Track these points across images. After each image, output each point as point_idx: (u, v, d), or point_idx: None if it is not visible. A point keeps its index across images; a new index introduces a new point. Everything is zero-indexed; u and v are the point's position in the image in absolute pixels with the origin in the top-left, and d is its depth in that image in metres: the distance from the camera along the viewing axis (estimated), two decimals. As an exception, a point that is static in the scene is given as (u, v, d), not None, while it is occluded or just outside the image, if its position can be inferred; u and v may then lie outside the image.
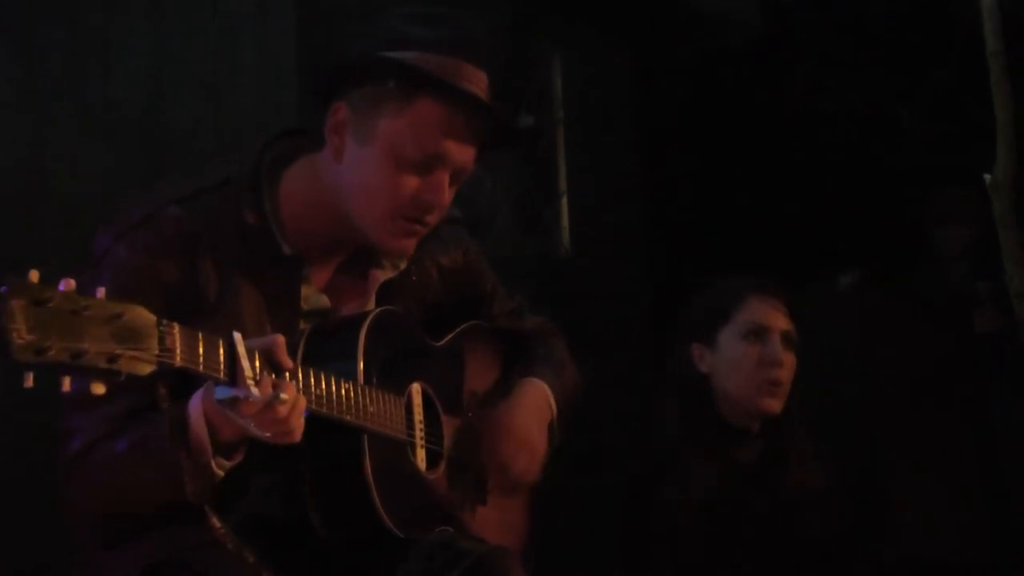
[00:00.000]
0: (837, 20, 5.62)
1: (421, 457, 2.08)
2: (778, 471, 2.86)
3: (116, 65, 3.81)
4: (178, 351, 1.55)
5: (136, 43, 3.81)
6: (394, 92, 1.93)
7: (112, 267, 1.85)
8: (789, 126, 5.73)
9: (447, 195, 2.00)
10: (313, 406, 1.78)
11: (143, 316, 1.50)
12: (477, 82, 1.97)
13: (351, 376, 1.90)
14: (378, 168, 1.94)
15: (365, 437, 1.90)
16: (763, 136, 5.74)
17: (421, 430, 2.08)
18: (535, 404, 2.26)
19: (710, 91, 5.82)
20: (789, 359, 2.86)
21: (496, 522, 2.24)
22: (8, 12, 3.63)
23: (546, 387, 2.29)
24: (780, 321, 2.87)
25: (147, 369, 1.50)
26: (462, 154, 1.98)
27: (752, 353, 2.84)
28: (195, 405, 1.74)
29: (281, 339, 1.75)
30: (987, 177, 2.99)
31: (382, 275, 2.13)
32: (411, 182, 1.95)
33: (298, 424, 1.74)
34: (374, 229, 1.99)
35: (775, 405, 2.84)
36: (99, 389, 1.45)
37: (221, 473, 1.76)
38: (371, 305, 2.09)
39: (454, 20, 1.98)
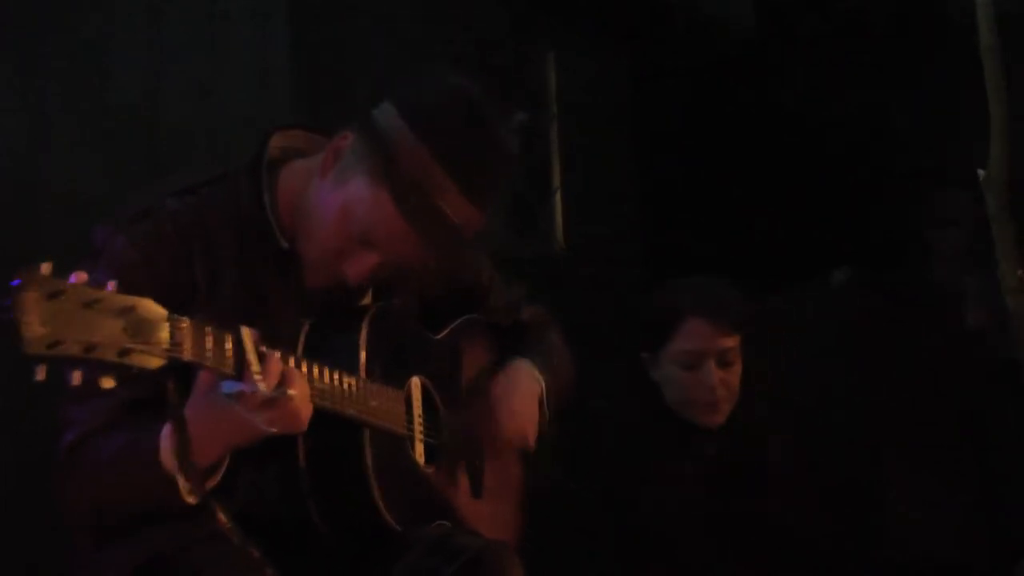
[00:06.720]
0: (832, 19, 5.63)
1: (419, 451, 2.09)
2: (744, 463, 2.92)
3: (113, 68, 3.81)
4: (187, 345, 1.54)
5: (133, 46, 3.81)
6: (379, 163, 1.89)
7: (109, 259, 1.85)
8: (783, 123, 5.73)
9: (367, 273, 1.96)
10: (316, 400, 1.78)
11: (153, 310, 1.49)
12: (459, 211, 1.91)
13: (353, 370, 1.91)
14: (335, 214, 1.93)
15: (366, 431, 1.91)
16: (758, 133, 5.74)
17: (420, 424, 2.10)
18: (519, 378, 2.28)
19: (705, 89, 5.82)
20: (727, 375, 2.89)
21: (490, 516, 2.25)
22: (7, 15, 3.63)
23: (529, 363, 2.31)
24: (717, 342, 2.88)
25: (157, 363, 1.49)
26: (401, 253, 1.94)
27: (685, 379, 2.89)
28: (165, 433, 1.73)
29: None
30: (981, 173, 2.99)
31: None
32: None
33: (306, 413, 1.75)
34: (309, 256, 1.97)
35: (715, 419, 2.91)
36: (109, 383, 1.44)
37: (192, 501, 1.74)
38: (369, 297, 2.10)
39: (483, 153, 1.94)
